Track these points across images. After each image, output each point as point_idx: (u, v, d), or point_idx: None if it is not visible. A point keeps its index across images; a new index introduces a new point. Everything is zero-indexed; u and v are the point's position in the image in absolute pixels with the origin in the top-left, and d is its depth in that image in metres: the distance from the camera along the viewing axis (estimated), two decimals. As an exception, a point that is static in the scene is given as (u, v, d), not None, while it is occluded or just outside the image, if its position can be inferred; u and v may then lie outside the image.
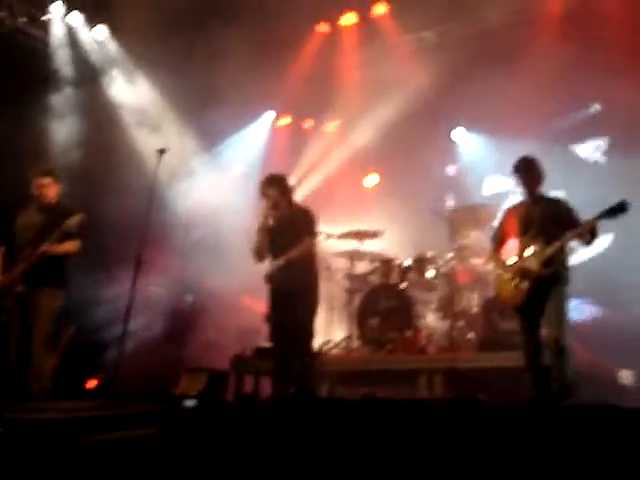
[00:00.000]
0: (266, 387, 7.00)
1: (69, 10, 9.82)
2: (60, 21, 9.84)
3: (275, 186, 6.05)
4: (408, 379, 6.83)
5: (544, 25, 8.85)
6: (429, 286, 7.96)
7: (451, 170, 9.49)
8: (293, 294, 5.76)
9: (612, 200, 4.98)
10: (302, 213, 6.08)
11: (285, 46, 9.75)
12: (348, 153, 10.43)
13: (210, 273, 9.00)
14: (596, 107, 8.87)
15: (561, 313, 5.16)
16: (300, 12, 8.89)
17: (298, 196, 7.30)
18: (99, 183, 9.13)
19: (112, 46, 10.16)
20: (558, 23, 8.73)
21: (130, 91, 10.31)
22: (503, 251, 5.57)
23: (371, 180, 10.72)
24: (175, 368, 8.03)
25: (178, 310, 9.60)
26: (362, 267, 8.58)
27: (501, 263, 5.54)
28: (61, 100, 9.57)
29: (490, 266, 6.94)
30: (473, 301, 7.60)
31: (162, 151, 6.36)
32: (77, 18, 9.93)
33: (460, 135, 10.03)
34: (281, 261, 5.86)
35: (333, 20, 10.31)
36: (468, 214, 7.99)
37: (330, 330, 8.33)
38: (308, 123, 11.27)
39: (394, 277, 8.04)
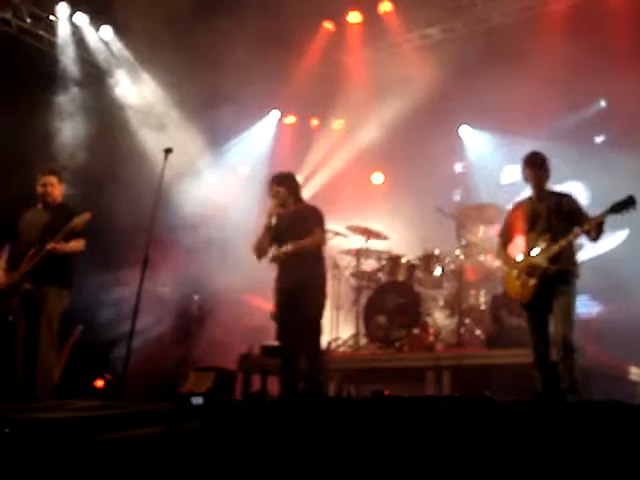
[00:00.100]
0: (274, 386, 7.00)
1: (74, 11, 9.84)
2: (66, 22, 9.85)
3: (284, 184, 6.03)
4: (416, 376, 6.84)
5: (550, 22, 8.83)
6: (436, 283, 7.96)
7: (458, 167, 9.48)
8: (301, 291, 5.73)
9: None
10: (310, 210, 6.06)
11: (290, 45, 9.73)
12: (354, 151, 10.40)
13: (217, 272, 9.02)
14: (602, 103, 8.83)
15: (569, 310, 5.13)
16: (305, 11, 8.86)
17: (305, 195, 7.29)
18: (106, 183, 9.15)
19: (117, 46, 10.17)
20: (564, 19, 8.70)
21: (136, 91, 10.33)
22: (511, 248, 5.52)
23: (378, 178, 10.70)
24: (183, 367, 8.06)
25: (185, 309, 9.62)
26: (369, 265, 8.58)
27: (509, 260, 5.51)
28: (67, 100, 9.58)
29: (497, 263, 6.93)
30: (481, 298, 7.60)
31: (168, 151, 6.31)
32: (82, 18, 9.94)
33: (467, 132, 10.00)
34: (290, 247, 5.80)
35: (338, 18, 10.28)
36: (475, 211, 7.99)
37: (337, 328, 8.33)
38: (314, 122, 11.26)
39: (401, 275, 8.02)
